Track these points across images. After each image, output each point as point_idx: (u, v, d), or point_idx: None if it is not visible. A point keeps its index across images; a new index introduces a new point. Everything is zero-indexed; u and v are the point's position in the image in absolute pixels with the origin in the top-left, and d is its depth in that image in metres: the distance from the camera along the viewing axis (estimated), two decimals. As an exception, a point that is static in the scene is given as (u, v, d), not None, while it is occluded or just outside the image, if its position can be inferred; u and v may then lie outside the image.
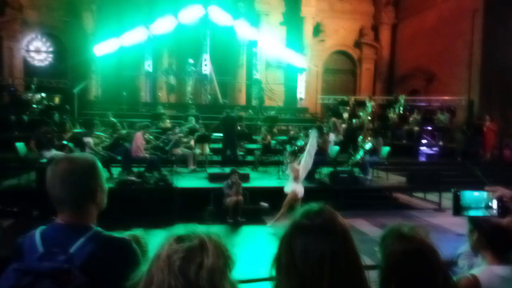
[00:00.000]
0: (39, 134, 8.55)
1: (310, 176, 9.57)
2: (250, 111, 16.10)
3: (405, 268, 1.33)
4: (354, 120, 14.02)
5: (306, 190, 8.90)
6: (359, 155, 9.90)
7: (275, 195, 8.63)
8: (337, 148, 10.11)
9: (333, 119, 12.90)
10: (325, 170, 9.97)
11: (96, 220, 1.45)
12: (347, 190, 8.99)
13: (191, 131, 11.31)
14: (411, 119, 14.34)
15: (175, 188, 8.54)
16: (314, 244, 1.07)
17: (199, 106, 15.12)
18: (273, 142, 11.47)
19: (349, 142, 11.46)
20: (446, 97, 15.00)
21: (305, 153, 7.88)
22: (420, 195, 9.99)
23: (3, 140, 11.17)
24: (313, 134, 8.30)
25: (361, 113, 14.13)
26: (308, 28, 18.90)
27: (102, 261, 1.29)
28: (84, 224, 1.38)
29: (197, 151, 10.93)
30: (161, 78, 17.32)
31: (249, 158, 11.55)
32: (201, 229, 1.01)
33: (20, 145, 8.67)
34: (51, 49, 18.06)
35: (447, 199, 9.43)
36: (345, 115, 14.62)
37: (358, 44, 20.00)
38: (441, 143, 13.52)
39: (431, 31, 16.61)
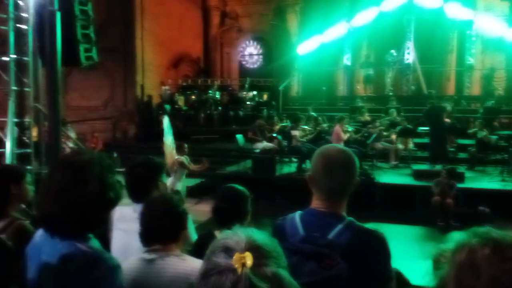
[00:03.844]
0: (254, 127, 9.62)
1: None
2: (463, 101, 14.17)
3: None
4: None
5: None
6: None
7: (498, 200, 7.36)
8: None
9: None
10: None
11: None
12: None
13: (392, 125, 10.74)
14: None
15: (377, 183, 8.24)
16: None
17: (400, 98, 14.24)
18: (493, 137, 9.76)
19: None
20: None
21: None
22: None
23: (224, 133, 13.15)
24: (165, 122, 7.08)
25: None
26: (543, -2, 15.33)
27: (358, 250, 1.30)
28: (338, 213, 1.42)
29: (400, 145, 10.30)
30: (359, 71, 17.12)
31: (462, 155, 10.18)
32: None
33: (239, 137, 9.95)
34: (260, 52, 20.18)
35: None
36: None
37: None
38: None
39: None
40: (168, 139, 7.12)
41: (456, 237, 1.23)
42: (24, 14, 6.53)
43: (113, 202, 1.38)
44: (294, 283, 0.76)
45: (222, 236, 0.78)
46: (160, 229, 1.63)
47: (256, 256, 0.72)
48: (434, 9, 15.06)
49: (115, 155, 9.06)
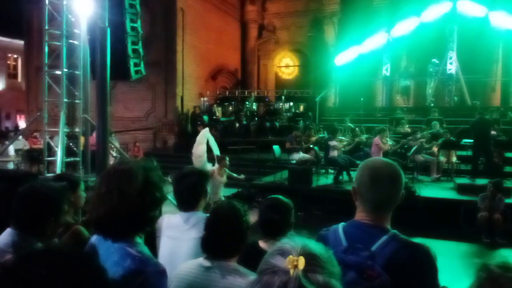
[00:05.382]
0: (291, 138, 9.62)
1: None
2: (509, 112, 13.53)
3: None
4: None
5: None
6: None
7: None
8: None
9: None
10: None
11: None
12: None
13: (434, 137, 10.40)
14: None
15: (418, 196, 7.99)
16: None
17: (442, 109, 13.79)
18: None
19: None
20: None
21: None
22: None
23: (261, 143, 13.24)
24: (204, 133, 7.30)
25: None
26: None
27: (402, 263, 1.29)
28: (382, 226, 1.41)
29: (442, 158, 9.95)
30: (398, 82, 16.77)
31: (508, 169, 9.69)
32: None
33: (276, 148, 9.99)
34: (297, 63, 20.25)
35: None
36: None
37: None
38: None
39: None
40: (200, 149, 7.14)
41: (505, 254, 1.22)
42: (76, 30, 6.97)
43: (159, 201, 1.43)
44: None
45: (281, 241, 0.82)
46: (224, 241, 1.64)
47: (309, 262, 0.75)
48: (478, 18, 14.57)
49: (154, 163, 9.32)
